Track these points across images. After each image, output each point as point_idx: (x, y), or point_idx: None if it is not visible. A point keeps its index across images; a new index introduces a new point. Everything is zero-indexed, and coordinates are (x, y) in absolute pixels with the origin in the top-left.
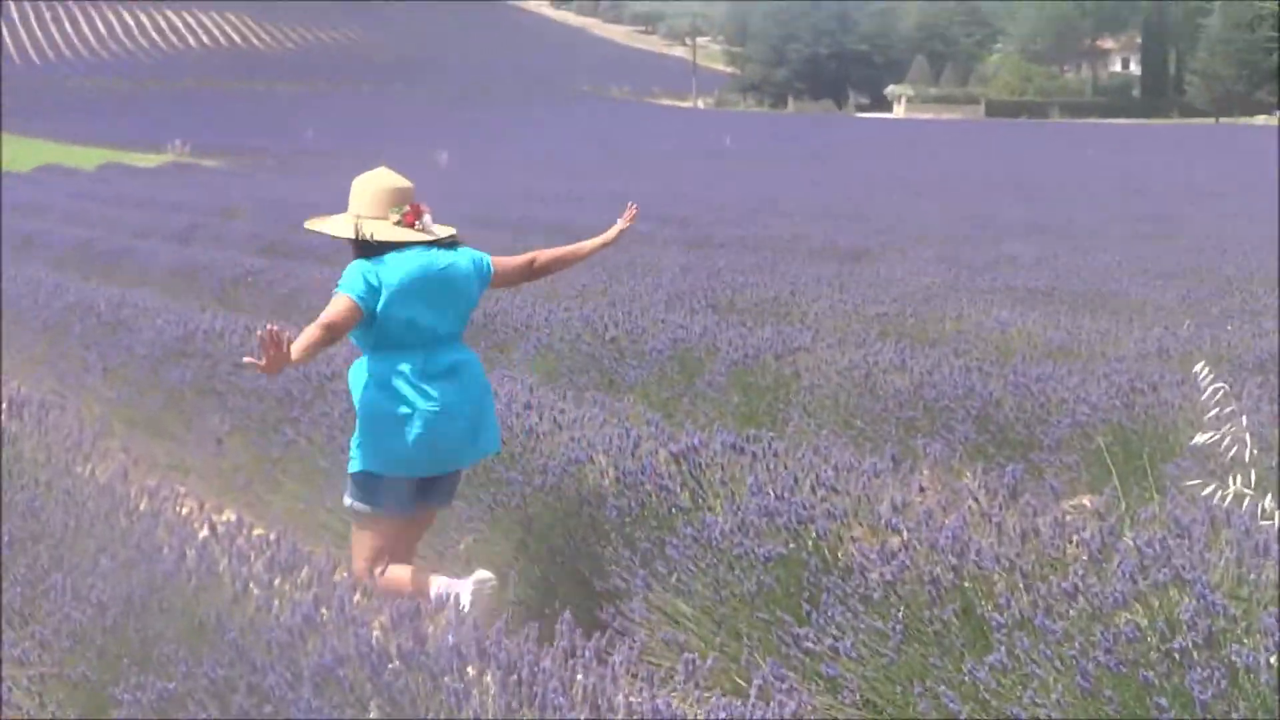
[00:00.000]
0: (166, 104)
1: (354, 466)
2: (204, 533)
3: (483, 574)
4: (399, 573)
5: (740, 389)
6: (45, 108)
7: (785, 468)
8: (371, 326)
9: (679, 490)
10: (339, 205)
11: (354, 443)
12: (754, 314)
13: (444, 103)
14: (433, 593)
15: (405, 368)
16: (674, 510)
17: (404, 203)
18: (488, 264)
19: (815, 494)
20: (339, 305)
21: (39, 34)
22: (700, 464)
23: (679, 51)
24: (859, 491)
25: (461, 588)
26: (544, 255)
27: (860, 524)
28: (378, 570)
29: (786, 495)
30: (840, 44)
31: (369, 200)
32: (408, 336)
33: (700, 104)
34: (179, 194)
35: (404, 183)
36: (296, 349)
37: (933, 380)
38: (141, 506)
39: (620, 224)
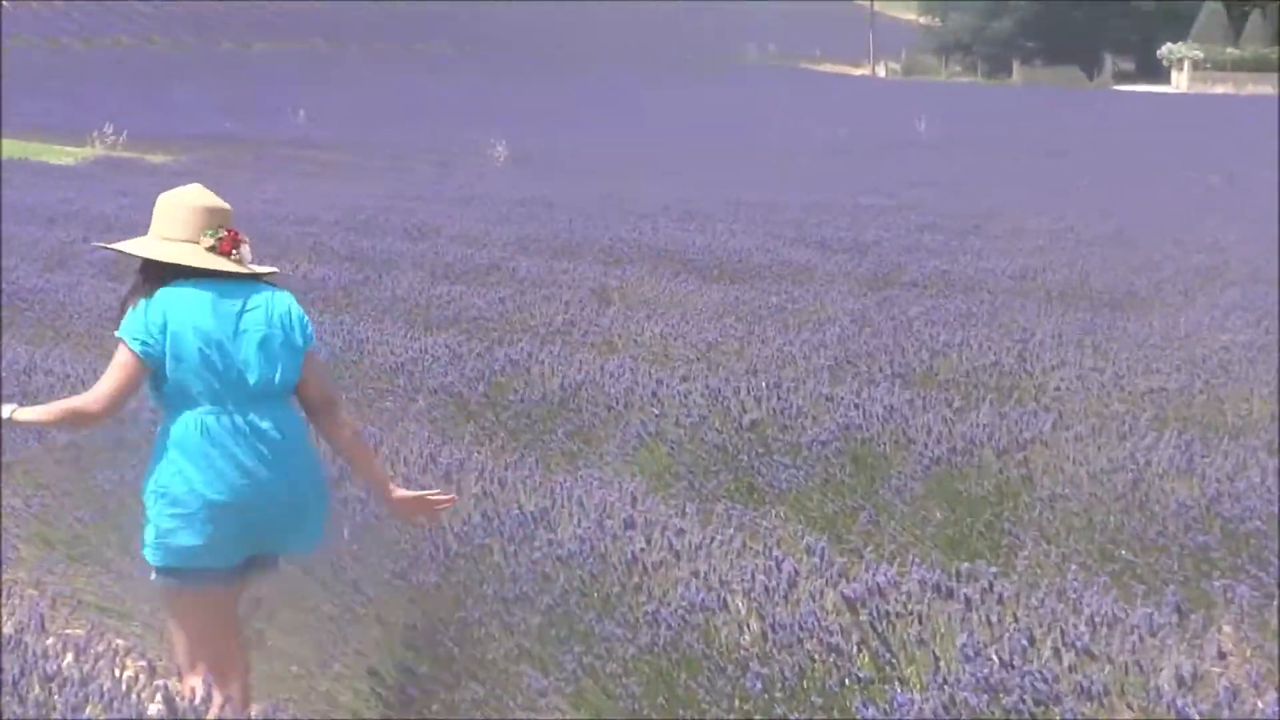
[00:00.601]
0: (93, 73)
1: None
2: (155, 709)
3: None
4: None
5: (944, 500)
6: None
7: (1014, 619)
8: (161, 380)
9: (855, 651)
10: (345, 218)
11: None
12: (963, 388)
13: (502, 72)
14: None
15: (195, 429)
16: (848, 681)
17: (220, 226)
18: (309, 336)
19: (1060, 659)
20: (116, 367)
21: None
22: (887, 613)
23: None
24: (1126, 656)
25: None
26: (346, 417)
27: (1130, 705)
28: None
29: (1016, 661)
30: None
31: (179, 221)
32: (198, 390)
33: (881, 71)
34: (110, 204)
35: (221, 204)
36: (37, 410)
37: (1235, 490)
38: (64, 668)
39: (427, 493)
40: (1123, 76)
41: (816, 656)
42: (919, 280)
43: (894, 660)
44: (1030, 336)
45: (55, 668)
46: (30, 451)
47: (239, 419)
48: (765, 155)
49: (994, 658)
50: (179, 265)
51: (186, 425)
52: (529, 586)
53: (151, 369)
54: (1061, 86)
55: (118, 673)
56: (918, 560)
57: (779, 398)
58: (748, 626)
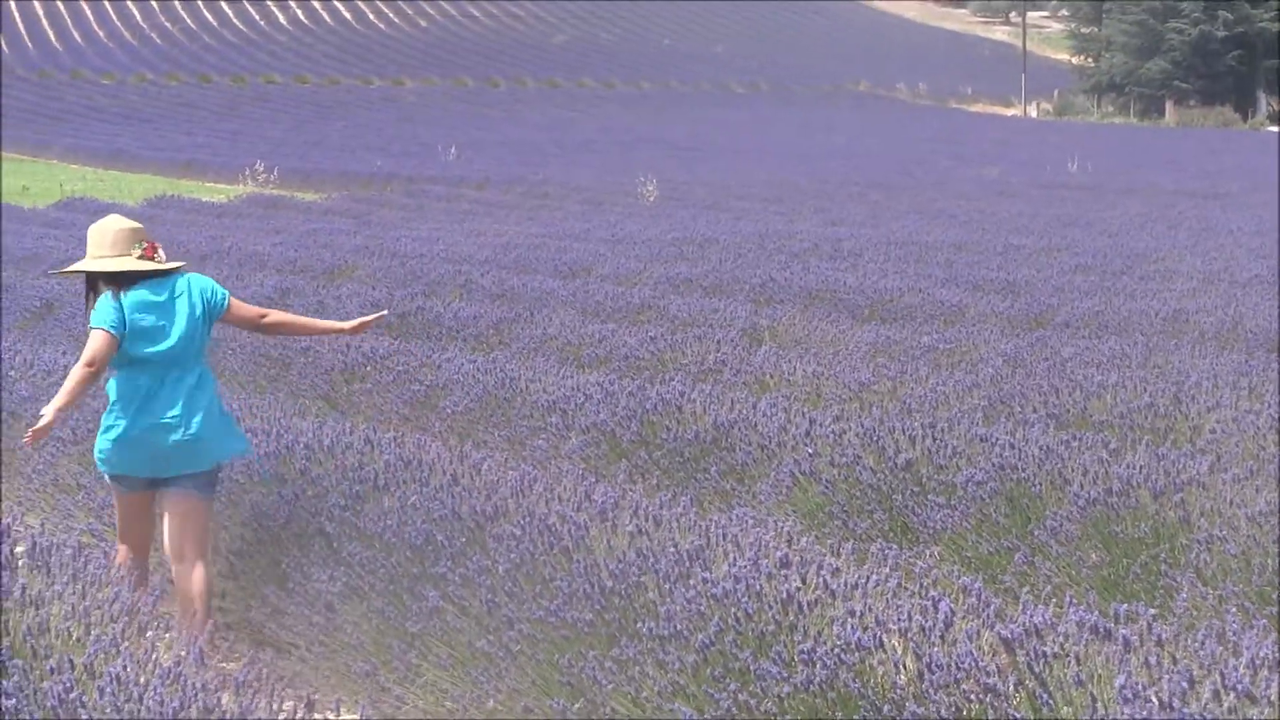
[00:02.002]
0: (244, 111)
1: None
2: None
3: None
4: (121, 553)
5: (1101, 542)
6: (68, 115)
7: (1173, 661)
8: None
9: (1012, 692)
10: (496, 256)
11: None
12: (1119, 429)
13: (649, 107)
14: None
15: (136, 384)
16: None
17: (141, 241)
18: (222, 297)
19: (1220, 702)
20: (97, 341)
21: (60, 11)
22: (1044, 654)
23: (1001, 34)
24: None
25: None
26: (275, 315)
27: None
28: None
29: (1176, 703)
30: (1247, 21)
31: (110, 242)
32: (139, 358)
33: (1033, 111)
34: (263, 242)
35: (137, 225)
36: (63, 394)
37: None
38: (224, 703)
39: (361, 319)
40: (1277, 117)
41: (974, 697)
42: (1071, 321)
43: (1051, 701)
44: (1185, 378)
45: (214, 700)
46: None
47: (163, 375)
48: (915, 193)
49: (1153, 699)
50: (117, 273)
51: (126, 379)
52: (684, 624)
53: (118, 342)
54: (1215, 127)
55: (275, 706)
56: (1074, 601)
57: (933, 438)
58: (904, 666)
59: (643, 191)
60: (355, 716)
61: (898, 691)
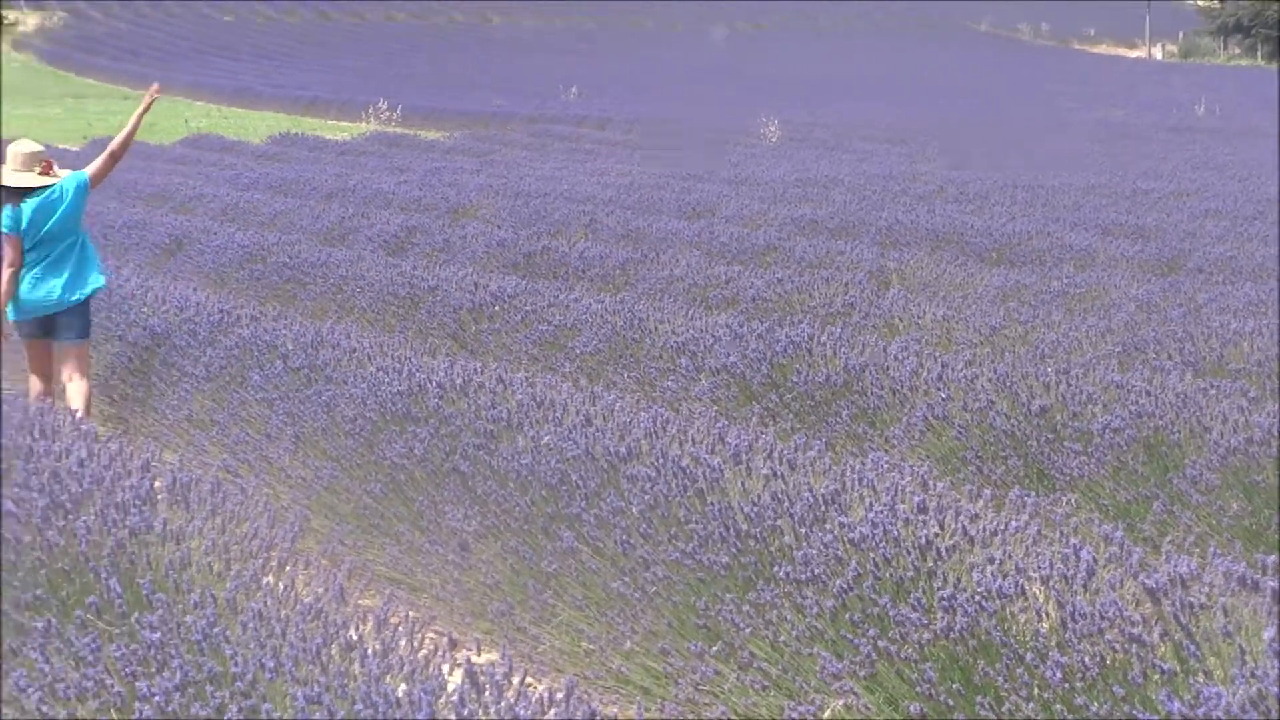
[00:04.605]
0: (366, 46)
1: None
2: (456, 681)
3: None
4: (34, 384)
5: (1242, 491)
6: (187, 50)
7: None
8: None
9: (1157, 643)
10: (619, 196)
11: None
12: (1257, 378)
13: (773, 46)
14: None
15: (33, 262)
16: (1150, 673)
17: (41, 160)
18: (84, 179)
19: None
20: (10, 245)
21: None
22: (1189, 604)
23: None
24: None
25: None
26: (114, 143)
27: None
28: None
29: None
30: None
31: (20, 161)
32: (36, 242)
33: (1158, 53)
34: (388, 181)
35: (39, 147)
36: (2, 296)
37: None
38: (365, 637)
39: (142, 107)
40: None
41: (1118, 647)
42: (1204, 266)
43: (1198, 654)
44: None
45: (356, 636)
46: (320, 423)
47: (45, 254)
48: (1039, 135)
49: None
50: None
51: (29, 259)
52: (821, 569)
53: (20, 239)
54: None
55: (415, 643)
56: (1218, 551)
57: (1067, 384)
58: (1046, 614)
59: (765, 132)
60: (495, 655)
61: (1040, 640)
